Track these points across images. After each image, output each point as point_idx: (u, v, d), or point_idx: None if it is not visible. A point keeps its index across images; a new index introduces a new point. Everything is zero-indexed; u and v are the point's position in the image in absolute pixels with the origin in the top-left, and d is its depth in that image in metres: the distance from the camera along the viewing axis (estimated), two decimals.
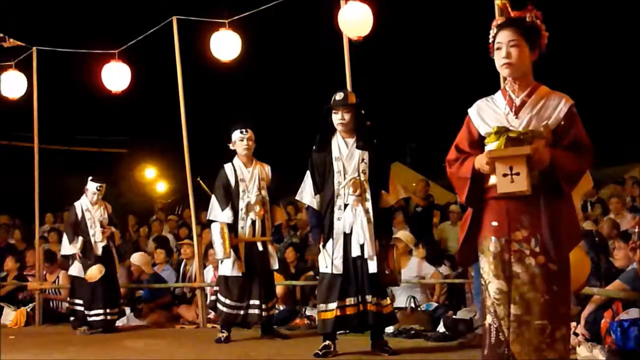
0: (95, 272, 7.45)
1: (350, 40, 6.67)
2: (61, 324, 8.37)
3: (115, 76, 8.09)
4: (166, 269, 9.09)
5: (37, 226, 9.14)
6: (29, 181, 9.02)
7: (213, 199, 6.54)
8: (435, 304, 6.98)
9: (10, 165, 14.99)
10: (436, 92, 15.32)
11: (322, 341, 5.39)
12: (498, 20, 3.35)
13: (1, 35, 8.26)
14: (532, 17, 3.27)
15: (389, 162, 5.77)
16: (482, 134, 3.28)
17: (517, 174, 3.06)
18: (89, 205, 7.70)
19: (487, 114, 3.31)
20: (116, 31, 10.29)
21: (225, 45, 7.46)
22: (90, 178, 7.77)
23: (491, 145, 3.19)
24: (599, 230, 6.91)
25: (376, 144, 5.45)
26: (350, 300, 5.27)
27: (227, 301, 6.39)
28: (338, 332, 5.48)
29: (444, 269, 7.67)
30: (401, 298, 6.99)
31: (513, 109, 3.26)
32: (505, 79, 3.36)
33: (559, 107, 3.19)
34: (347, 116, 5.39)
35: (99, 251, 7.59)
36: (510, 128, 3.19)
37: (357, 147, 5.40)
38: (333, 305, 5.26)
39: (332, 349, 5.34)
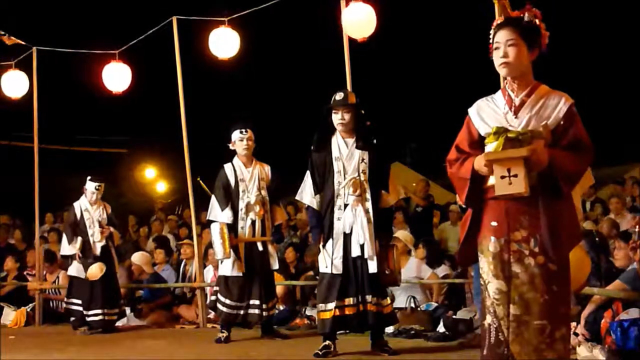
0: (96, 271, 7.46)
1: (354, 41, 6.66)
2: (61, 324, 8.37)
3: (116, 76, 8.11)
4: (166, 269, 9.10)
5: (37, 226, 9.14)
6: (29, 181, 9.02)
7: (213, 199, 6.54)
8: (435, 304, 6.98)
9: (10, 165, 14.99)
10: (436, 92, 15.32)
11: (322, 341, 5.39)
12: (497, 20, 3.35)
13: (2, 32, 8.25)
14: (531, 16, 3.27)
15: (389, 162, 5.76)
16: (482, 134, 3.28)
17: (515, 175, 3.06)
18: (88, 205, 7.70)
19: (487, 114, 3.31)
20: (116, 31, 10.29)
21: (224, 42, 7.46)
22: (89, 178, 7.77)
23: (490, 145, 3.19)
24: (599, 230, 6.91)
25: (376, 144, 5.45)
26: (349, 300, 5.27)
27: (227, 301, 6.39)
28: (338, 332, 5.48)
29: (444, 269, 7.66)
30: (401, 298, 6.99)
31: (512, 109, 3.26)
32: (505, 78, 3.36)
33: (558, 106, 3.19)
34: (347, 116, 5.39)
35: (98, 251, 7.59)
36: (510, 128, 3.18)
37: (357, 147, 5.40)
38: (332, 305, 5.26)
39: (332, 349, 5.34)
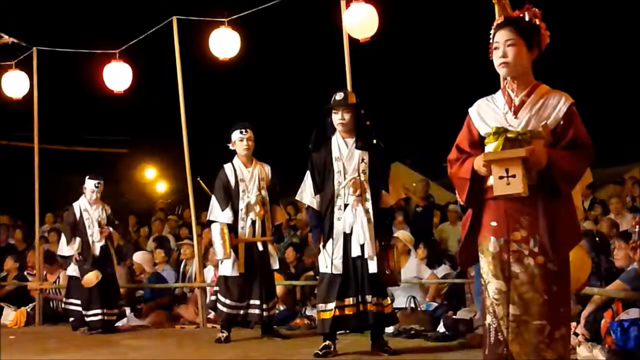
0: (92, 278, 7.46)
1: (354, 41, 6.65)
2: (61, 324, 8.37)
3: (117, 76, 8.10)
4: (166, 268, 9.11)
5: (37, 226, 9.14)
6: (29, 181, 9.02)
7: (213, 199, 6.54)
8: (435, 304, 6.98)
9: (10, 165, 14.99)
10: (437, 92, 15.31)
11: (322, 341, 5.39)
12: (498, 20, 3.35)
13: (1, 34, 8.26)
14: (530, 16, 3.27)
15: (389, 162, 5.76)
16: (482, 134, 3.28)
17: (513, 176, 3.06)
18: (88, 205, 7.70)
19: (487, 114, 3.31)
20: (116, 31, 10.29)
21: (225, 43, 7.46)
22: (87, 177, 7.76)
23: (490, 145, 3.19)
24: (599, 230, 6.91)
25: (376, 144, 5.45)
26: (349, 300, 5.27)
27: (227, 301, 6.39)
28: (338, 332, 5.48)
29: (444, 269, 7.66)
30: (401, 298, 6.99)
31: (512, 109, 3.26)
32: (504, 78, 3.36)
33: (558, 106, 3.19)
34: (347, 116, 5.39)
35: (97, 251, 7.59)
36: (509, 128, 3.19)
37: (357, 147, 5.40)
38: (332, 305, 5.26)
39: (332, 349, 5.35)
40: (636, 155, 12.48)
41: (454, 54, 13.53)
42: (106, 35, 10.00)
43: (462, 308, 6.74)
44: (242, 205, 6.45)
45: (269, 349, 6.05)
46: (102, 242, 7.61)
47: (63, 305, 8.02)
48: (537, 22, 3.28)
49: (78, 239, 7.59)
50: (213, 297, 6.67)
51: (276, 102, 15.81)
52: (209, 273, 8.18)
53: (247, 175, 6.53)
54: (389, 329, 6.00)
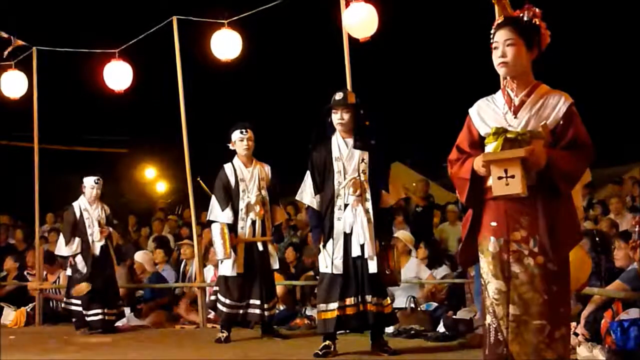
0: (82, 288, 7.49)
1: (354, 41, 6.65)
2: (61, 324, 8.37)
3: (117, 75, 8.09)
4: (166, 268, 9.11)
5: (37, 226, 9.13)
6: (29, 181, 9.02)
7: (213, 199, 6.54)
8: (435, 304, 6.98)
9: (10, 165, 15.00)
10: (436, 92, 15.31)
11: (322, 341, 5.39)
12: (498, 20, 3.35)
13: (6, 35, 8.26)
14: (530, 15, 3.27)
15: (388, 162, 5.77)
16: (482, 134, 3.28)
17: (512, 176, 3.06)
18: (87, 205, 7.70)
19: (487, 114, 3.31)
20: (116, 31, 10.28)
21: (226, 44, 7.46)
22: (85, 177, 7.76)
23: (490, 146, 3.19)
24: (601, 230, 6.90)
25: (375, 143, 5.45)
26: (350, 300, 5.28)
27: (227, 301, 6.39)
28: (338, 332, 5.48)
29: (445, 269, 7.66)
30: (401, 298, 6.99)
31: (512, 109, 3.26)
32: (504, 78, 3.36)
33: (558, 106, 3.19)
34: (346, 116, 5.40)
35: (97, 251, 7.59)
36: (509, 128, 3.19)
37: (355, 147, 5.40)
38: (334, 305, 5.26)
39: (332, 349, 5.35)
40: (636, 155, 12.48)
41: (454, 54, 13.54)
42: (106, 35, 10.00)
43: (462, 308, 6.74)
44: (242, 205, 6.45)
45: (269, 349, 6.05)
46: (102, 242, 7.61)
47: (64, 305, 8.02)
48: (537, 21, 3.28)
49: (77, 239, 7.58)
50: (213, 297, 6.67)
51: (276, 102, 15.82)
52: (209, 273, 8.18)
53: (247, 175, 6.53)
54: (389, 329, 6.00)
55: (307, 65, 14.08)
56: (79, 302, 7.62)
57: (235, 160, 6.59)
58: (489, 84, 3.99)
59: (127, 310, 8.26)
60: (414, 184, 10.43)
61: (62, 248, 7.71)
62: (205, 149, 9.48)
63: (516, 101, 3.26)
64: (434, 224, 9.71)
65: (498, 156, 3.11)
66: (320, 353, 5.31)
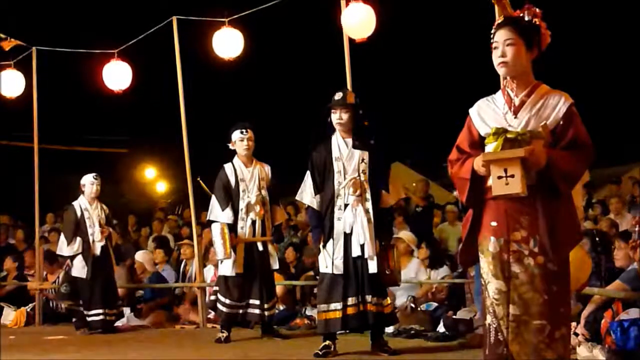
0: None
1: (355, 41, 6.65)
2: (61, 324, 8.37)
3: (116, 75, 8.09)
4: (165, 268, 9.11)
5: (37, 226, 9.13)
6: (29, 181, 9.02)
7: (213, 199, 6.53)
8: (435, 304, 6.98)
9: (10, 165, 15.00)
10: (437, 92, 15.32)
11: (322, 341, 5.39)
12: (498, 20, 3.35)
13: (3, 36, 8.26)
14: (530, 15, 3.27)
15: (388, 162, 5.77)
16: (482, 134, 3.28)
17: (512, 176, 3.06)
18: (87, 205, 7.70)
19: (487, 114, 3.31)
20: (116, 31, 10.29)
21: (228, 43, 7.45)
22: (84, 176, 7.77)
23: (490, 146, 3.19)
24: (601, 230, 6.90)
25: (375, 143, 5.44)
26: (350, 300, 5.28)
27: (227, 301, 6.39)
28: (338, 332, 5.48)
29: (445, 270, 7.65)
30: (401, 298, 6.99)
31: (512, 109, 3.25)
32: (504, 78, 3.36)
33: (558, 106, 3.18)
34: (345, 116, 5.39)
35: (97, 251, 7.59)
36: (509, 128, 3.18)
37: (354, 147, 5.40)
38: (336, 306, 5.26)
39: (332, 349, 5.35)
40: (636, 155, 12.48)
41: (454, 54, 13.54)
42: (105, 34, 10.01)
43: (462, 308, 6.73)
44: (242, 205, 6.45)
45: (269, 349, 6.05)
46: (103, 242, 7.61)
47: (66, 306, 8.01)
48: (537, 21, 3.28)
49: (78, 239, 7.59)
50: (213, 297, 6.67)
51: (276, 102, 15.82)
52: (209, 273, 8.19)
53: (247, 175, 6.53)
54: (389, 329, 6.00)
55: (307, 65, 14.08)
56: (79, 302, 7.62)
57: (236, 160, 6.59)
58: (489, 84, 3.99)
59: (127, 310, 8.26)
60: (414, 184, 10.43)
61: (63, 248, 7.71)
62: (205, 149, 9.48)
63: (516, 101, 3.25)
64: (434, 224, 9.71)
65: (498, 156, 3.11)
66: (320, 353, 5.31)
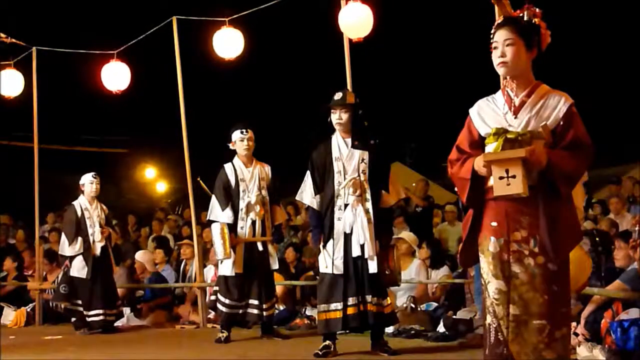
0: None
1: (352, 41, 6.65)
2: (61, 324, 8.37)
3: (115, 76, 8.09)
4: (165, 268, 9.11)
5: (37, 226, 9.13)
6: (29, 181, 9.02)
7: (213, 199, 6.53)
8: (435, 304, 6.98)
9: (10, 165, 15.00)
10: (436, 92, 15.33)
11: (322, 341, 5.39)
12: (498, 20, 3.35)
13: (4, 36, 8.27)
14: (530, 15, 3.27)
15: (388, 162, 5.76)
16: (482, 134, 3.28)
17: (513, 176, 3.06)
18: (87, 204, 7.70)
19: (487, 114, 3.31)
20: (116, 31, 10.30)
21: (228, 43, 7.45)
22: (82, 176, 7.78)
23: (490, 146, 3.19)
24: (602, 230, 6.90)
25: (375, 143, 5.44)
26: (351, 300, 5.27)
27: (227, 301, 6.39)
28: (338, 332, 5.48)
29: (446, 270, 7.65)
30: (401, 298, 6.99)
31: (512, 109, 3.25)
32: (504, 78, 3.36)
33: (558, 106, 3.19)
34: (344, 116, 5.39)
35: (98, 251, 7.59)
36: (509, 128, 3.19)
37: (353, 147, 5.39)
38: (337, 306, 5.26)
39: (332, 349, 5.34)
40: (636, 155, 12.47)
41: (454, 55, 13.55)
42: (105, 35, 10.02)
43: (462, 308, 6.73)
44: (242, 205, 6.44)
45: (269, 349, 6.05)
46: (103, 243, 7.61)
47: (66, 306, 8.01)
48: (537, 21, 3.28)
49: (80, 239, 7.58)
50: (213, 297, 6.67)
51: (276, 102, 15.83)
52: (209, 273, 8.19)
53: (248, 175, 6.53)
54: (389, 329, 6.00)
55: (307, 65, 14.08)
56: (79, 302, 7.63)
57: (236, 160, 6.59)
58: (489, 84, 3.99)
59: (127, 310, 8.26)
60: (414, 184, 10.43)
61: (65, 248, 7.70)
62: (205, 149, 9.48)
63: (516, 101, 3.25)
64: (434, 224, 9.71)
65: (499, 156, 3.11)
66: (320, 353, 5.30)
